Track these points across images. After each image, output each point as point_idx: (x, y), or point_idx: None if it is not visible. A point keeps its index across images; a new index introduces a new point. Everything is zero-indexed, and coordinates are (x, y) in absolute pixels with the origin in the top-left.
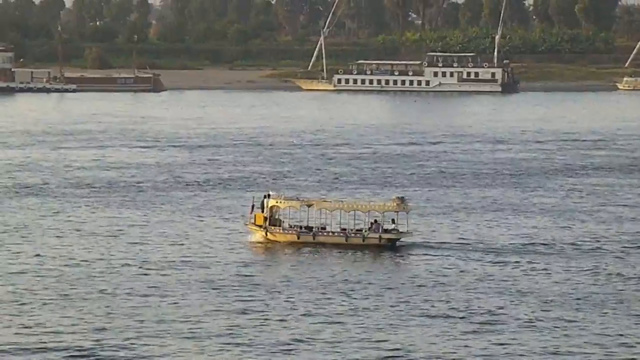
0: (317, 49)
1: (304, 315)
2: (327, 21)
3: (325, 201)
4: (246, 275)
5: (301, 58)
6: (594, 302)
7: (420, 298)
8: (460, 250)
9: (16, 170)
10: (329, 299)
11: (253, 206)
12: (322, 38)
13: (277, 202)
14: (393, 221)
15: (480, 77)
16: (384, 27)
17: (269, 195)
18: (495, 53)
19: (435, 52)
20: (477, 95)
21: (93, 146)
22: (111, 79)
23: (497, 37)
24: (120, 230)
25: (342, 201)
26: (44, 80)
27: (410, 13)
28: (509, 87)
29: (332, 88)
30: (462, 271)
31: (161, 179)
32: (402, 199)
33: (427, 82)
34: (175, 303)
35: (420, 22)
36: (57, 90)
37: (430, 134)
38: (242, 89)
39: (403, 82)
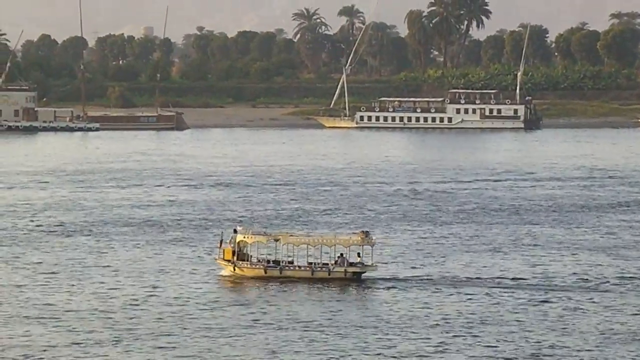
0: (339, 86)
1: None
2: (349, 59)
3: (292, 235)
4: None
5: (323, 95)
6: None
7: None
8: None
9: (54, 209)
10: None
11: (222, 241)
12: (344, 75)
13: (244, 237)
14: (358, 255)
15: (502, 114)
16: (406, 65)
17: (236, 230)
18: (518, 90)
19: (458, 89)
20: (500, 132)
21: (129, 185)
22: (134, 118)
23: (519, 74)
24: (164, 267)
25: (309, 235)
26: (67, 119)
27: (432, 50)
28: (532, 124)
29: (355, 125)
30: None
31: (200, 217)
32: (366, 233)
33: (450, 119)
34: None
35: (442, 59)
36: (80, 129)
37: (463, 170)
38: (265, 127)
39: (425, 119)
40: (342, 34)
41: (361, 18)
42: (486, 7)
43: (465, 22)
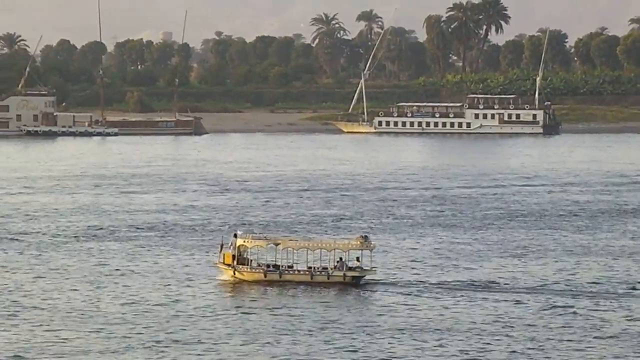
0: (357, 91)
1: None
2: (368, 64)
3: (291, 240)
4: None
5: (342, 100)
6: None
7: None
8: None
9: (79, 214)
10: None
11: (222, 245)
12: (362, 80)
13: (244, 241)
14: (357, 259)
15: (521, 119)
16: (424, 69)
17: (236, 235)
18: (537, 95)
19: (476, 94)
20: (519, 137)
21: (153, 190)
22: (152, 123)
23: (538, 79)
24: (190, 272)
25: (308, 240)
26: (86, 124)
27: (450, 55)
28: (551, 129)
29: (373, 130)
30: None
31: (226, 222)
32: (365, 237)
33: (468, 124)
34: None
35: (460, 64)
36: (98, 134)
37: (485, 175)
38: (283, 132)
39: (444, 124)
40: (360, 39)
41: (380, 23)
42: (505, 12)
43: (484, 27)
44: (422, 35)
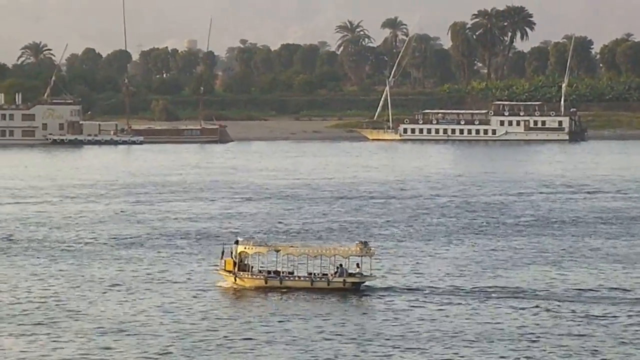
0: (382, 98)
1: None
2: (393, 71)
3: (291, 246)
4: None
5: (367, 108)
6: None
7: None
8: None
9: (112, 222)
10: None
11: (223, 252)
12: (387, 88)
13: (245, 248)
14: (357, 265)
15: (547, 126)
16: (449, 77)
17: (237, 242)
18: (562, 101)
19: (502, 101)
20: (544, 144)
21: (185, 198)
22: (178, 131)
23: (563, 86)
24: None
25: (308, 246)
26: (111, 132)
27: (475, 62)
28: (577, 136)
29: (398, 138)
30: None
31: (259, 230)
32: (365, 244)
33: (494, 131)
34: None
35: (485, 71)
36: (124, 143)
37: (515, 182)
38: (308, 139)
39: (469, 131)
40: (385, 46)
41: (404, 30)
42: (530, 19)
43: (509, 34)
44: (447, 42)
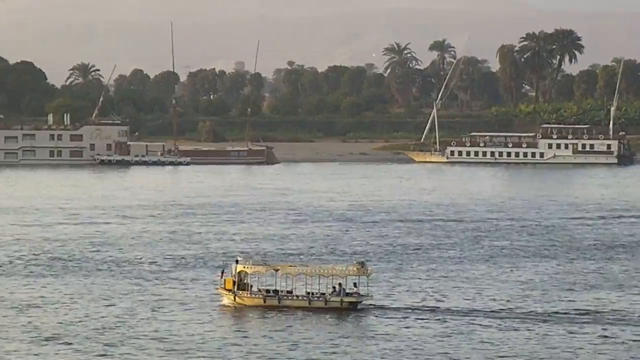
0: (429, 120)
1: None
2: (440, 93)
3: (290, 266)
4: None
5: (413, 130)
6: None
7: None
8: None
9: (174, 242)
10: None
11: (223, 271)
12: (434, 110)
13: (244, 267)
14: (355, 285)
15: (595, 149)
16: (497, 99)
17: (237, 261)
18: (611, 125)
19: (550, 124)
20: (593, 168)
21: (244, 219)
22: (224, 152)
23: (612, 109)
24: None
25: (306, 266)
26: (159, 153)
27: (523, 85)
28: (625, 159)
29: (445, 160)
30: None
31: (321, 251)
32: (362, 264)
33: (542, 154)
34: None
35: (533, 93)
36: (171, 163)
37: (572, 205)
38: (355, 161)
39: (517, 154)
40: (432, 69)
41: (452, 52)
42: (579, 42)
43: (558, 57)
44: (494, 65)
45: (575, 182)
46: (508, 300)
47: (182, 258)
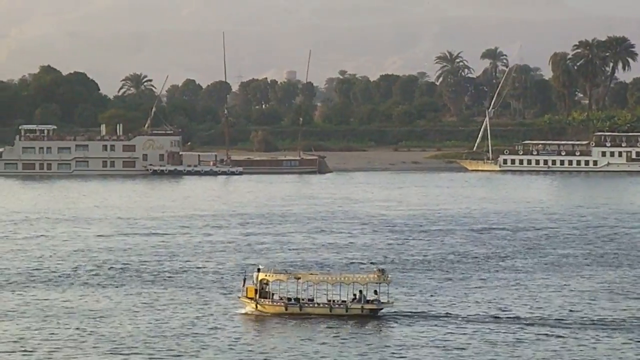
0: (482, 129)
1: None
2: (493, 101)
3: (311, 274)
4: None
5: (466, 138)
6: None
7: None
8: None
9: (237, 252)
10: None
11: (245, 280)
12: (487, 118)
13: (266, 275)
14: (375, 292)
15: None
16: (550, 107)
17: (259, 269)
18: None
19: (603, 131)
20: None
21: (307, 229)
22: (277, 162)
23: None
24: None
25: (328, 274)
26: (211, 163)
27: (576, 92)
28: None
29: (498, 168)
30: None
31: (383, 261)
32: (382, 271)
33: (595, 162)
34: None
35: (587, 101)
36: (223, 173)
37: (633, 214)
38: (407, 170)
39: (570, 162)
40: (485, 77)
41: (504, 61)
42: (632, 49)
43: (611, 64)
44: (547, 73)
45: (630, 189)
46: (571, 310)
47: (244, 267)
